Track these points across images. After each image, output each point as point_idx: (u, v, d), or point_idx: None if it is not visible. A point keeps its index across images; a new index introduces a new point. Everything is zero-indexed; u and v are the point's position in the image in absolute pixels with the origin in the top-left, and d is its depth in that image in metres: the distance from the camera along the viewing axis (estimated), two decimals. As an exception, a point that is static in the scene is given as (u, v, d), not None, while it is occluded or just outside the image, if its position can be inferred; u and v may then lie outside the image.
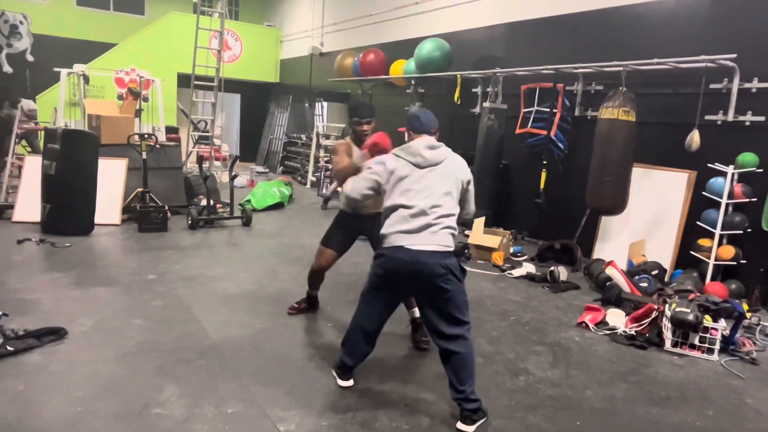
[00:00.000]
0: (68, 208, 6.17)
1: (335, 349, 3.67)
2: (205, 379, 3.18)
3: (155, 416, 2.77)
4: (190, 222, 6.96)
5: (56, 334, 3.52)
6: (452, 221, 2.91)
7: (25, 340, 3.35)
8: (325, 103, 12.88)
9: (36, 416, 2.71)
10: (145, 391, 3.01)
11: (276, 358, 3.51)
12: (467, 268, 5.37)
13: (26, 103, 9.99)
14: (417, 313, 3.68)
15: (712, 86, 5.46)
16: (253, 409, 2.90)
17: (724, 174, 5.27)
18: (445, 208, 2.89)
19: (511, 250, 6.56)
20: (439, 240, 2.83)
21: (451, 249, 2.87)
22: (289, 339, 3.82)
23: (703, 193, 5.45)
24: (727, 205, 5.27)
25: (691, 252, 5.49)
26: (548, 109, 6.91)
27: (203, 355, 3.49)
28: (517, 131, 7.37)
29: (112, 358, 3.37)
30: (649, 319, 4.15)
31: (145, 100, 11.73)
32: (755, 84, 5.18)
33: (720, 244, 5.33)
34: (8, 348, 3.26)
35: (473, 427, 2.78)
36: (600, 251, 6.35)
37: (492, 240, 6.22)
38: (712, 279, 5.31)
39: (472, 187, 3.11)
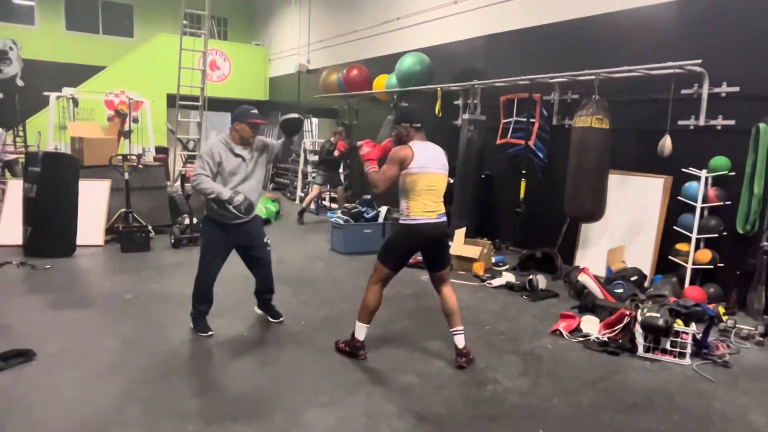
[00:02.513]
0: (49, 230, 6.20)
1: (303, 366, 3.70)
2: (169, 398, 3.17)
3: (114, 436, 2.77)
4: (173, 241, 6.98)
5: (24, 356, 3.52)
6: None
7: (-10, 363, 3.36)
8: (315, 119, 13.00)
9: (-6, 439, 2.72)
10: (107, 411, 3.00)
11: (243, 376, 3.50)
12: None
13: None
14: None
15: (683, 92, 5.50)
16: (214, 426, 2.89)
17: (698, 178, 5.29)
18: None
19: (493, 259, 6.56)
20: None
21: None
22: (258, 357, 3.82)
23: (679, 197, 5.46)
24: (703, 208, 5.29)
25: (670, 257, 5.49)
26: (526, 119, 6.95)
27: (170, 374, 3.49)
28: (498, 142, 7.41)
29: (78, 379, 3.37)
30: (622, 325, 4.14)
31: (135, 121, 11.83)
32: (724, 88, 5.22)
33: (697, 248, 5.33)
34: (-27, 371, 3.27)
35: None
36: (581, 259, 6.36)
37: (472, 250, 6.23)
38: (691, 283, 5.30)
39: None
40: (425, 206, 3.62)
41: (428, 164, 3.63)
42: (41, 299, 4.84)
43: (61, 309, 4.61)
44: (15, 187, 6.87)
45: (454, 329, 3.77)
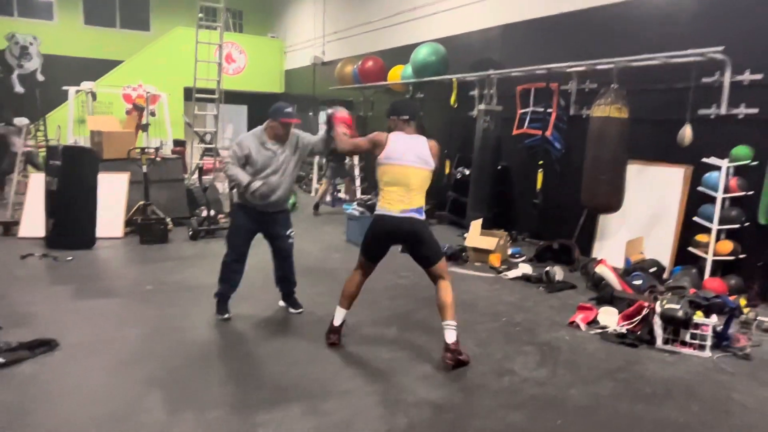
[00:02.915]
0: (70, 222, 6.30)
1: (321, 355, 3.73)
2: (191, 386, 3.23)
3: (136, 423, 2.82)
4: (191, 233, 7.06)
5: (47, 345, 3.59)
6: None
7: (16, 352, 3.43)
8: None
9: (22, 426, 2.78)
10: (130, 398, 3.06)
11: (263, 364, 3.55)
12: (464, 271, 5.38)
13: (19, 121, 9.63)
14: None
15: (704, 80, 5.40)
16: (235, 413, 2.93)
17: (719, 168, 5.21)
18: None
19: (510, 251, 6.54)
20: None
21: None
22: (277, 346, 3.86)
23: (699, 188, 5.39)
24: (724, 199, 5.21)
25: (690, 248, 5.42)
26: (543, 109, 6.89)
27: (193, 362, 3.55)
28: (514, 132, 7.37)
29: (101, 367, 3.44)
30: (640, 317, 4.11)
31: (153, 114, 11.95)
32: (747, 76, 5.12)
33: (718, 239, 5.26)
34: (0, 360, 3.34)
35: None
36: (599, 250, 6.30)
37: (488, 242, 6.21)
38: (712, 275, 5.24)
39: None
40: (388, 199, 3.62)
41: (400, 157, 3.59)
42: (64, 290, 4.94)
43: (83, 299, 4.70)
44: (37, 181, 6.98)
45: (446, 322, 3.58)
